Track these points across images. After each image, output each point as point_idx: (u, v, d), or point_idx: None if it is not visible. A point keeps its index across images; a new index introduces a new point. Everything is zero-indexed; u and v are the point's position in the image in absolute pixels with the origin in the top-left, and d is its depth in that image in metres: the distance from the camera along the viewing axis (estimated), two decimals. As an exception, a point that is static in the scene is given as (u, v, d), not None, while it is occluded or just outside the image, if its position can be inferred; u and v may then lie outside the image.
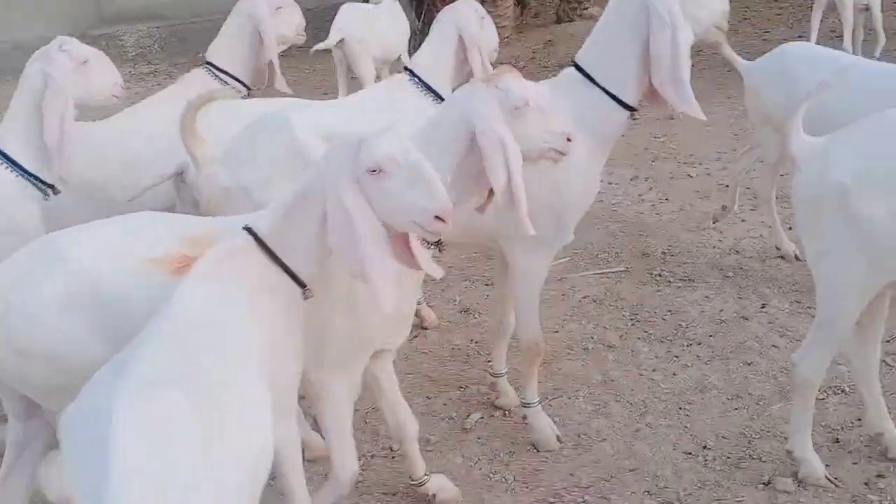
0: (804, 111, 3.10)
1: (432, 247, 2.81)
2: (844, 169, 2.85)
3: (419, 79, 3.92)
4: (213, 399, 2.00)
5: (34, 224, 3.50)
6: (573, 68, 3.43)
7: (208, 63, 4.43)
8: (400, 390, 3.26)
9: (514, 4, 13.01)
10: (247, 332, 2.31)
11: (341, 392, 2.89)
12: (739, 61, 5.06)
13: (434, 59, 3.94)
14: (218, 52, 4.46)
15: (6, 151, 3.57)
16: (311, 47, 6.98)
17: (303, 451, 3.63)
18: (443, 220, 2.37)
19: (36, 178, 3.60)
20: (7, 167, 3.57)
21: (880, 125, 2.92)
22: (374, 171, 2.35)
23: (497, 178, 2.64)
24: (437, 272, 2.60)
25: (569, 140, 2.85)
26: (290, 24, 4.53)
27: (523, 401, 3.70)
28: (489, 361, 4.09)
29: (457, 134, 2.72)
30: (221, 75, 4.40)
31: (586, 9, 12.65)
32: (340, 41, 7.61)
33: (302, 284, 2.54)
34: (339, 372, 2.86)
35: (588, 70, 3.38)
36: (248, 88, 4.52)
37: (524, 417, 3.73)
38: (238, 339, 2.27)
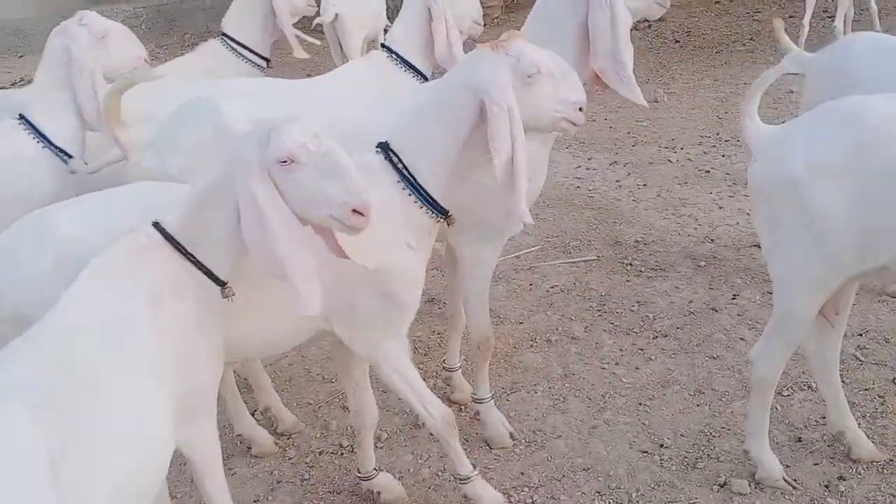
0: (758, 97, 2.96)
1: (441, 219, 2.72)
2: (799, 159, 2.70)
3: (397, 55, 3.82)
4: (76, 409, 1.87)
5: (56, 192, 3.41)
6: None
7: (224, 34, 4.36)
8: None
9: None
10: (140, 335, 2.18)
11: (397, 351, 2.86)
12: (801, 53, 4.29)
13: (406, 34, 3.85)
14: (231, 23, 4.44)
15: (33, 122, 3.57)
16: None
17: (249, 448, 3.63)
18: (361, 214, 2.25)
19: (60, 149, 3.57)
20: (34, 138, 3.55)
21: (836, 113, 2.77)
22: (285, 161, 2.22)
23: (500, 151, 2.50)
24: (369, 262, 2.48)
25: (581, 110, 2.69)
26: None
27: (475, 396, 3.58)
28: (448, 355, 3.97)
29: (464, 103, 2.58)
30: (237, 47, 4.38)
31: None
32: (335, 17, 7.40)
33: (220, 282, 2.41)
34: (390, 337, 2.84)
35: None
36: (267, 60, 4.52)
37: (476, 413, 3.61)
38: (126, 342, 2.13)
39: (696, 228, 5.29)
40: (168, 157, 3.10)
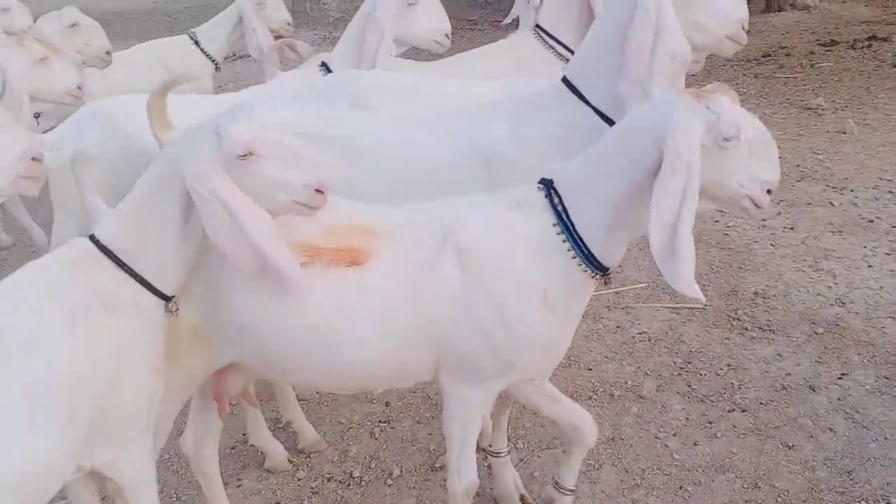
0: None
1: (599, 276, 2.48)
2: None
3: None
4: None
5: None
6: (562, 82, 2.93)
7: (537, 26, 4.26)
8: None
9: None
10: (51, 354, 2.11)
11: (477, 403, 2.64)
12: None
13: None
14: (547, 15, 4.31)
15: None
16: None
17: (263, 460, 3.54)
18: (322, 193, 2.26)
19: None
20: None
21: None
22: (245, 156, 2.19)
23: (663, 210, 2.17)
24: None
25: (769, 192, 2.35)
26: None
27: (490, 448, 3.28)
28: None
29: (644, 148, 2.28)
30: (550, 41, 4.23)
31: (800, -2, 11.41)
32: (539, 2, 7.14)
33: (164, 296, 2.32)
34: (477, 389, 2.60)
35: (577, 84, 2.88)
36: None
37: (488, 466, 3.31)
38: (29, 362, 2.07)
39: (829, 287, 4.61)
40: None
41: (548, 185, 2.45)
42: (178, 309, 2.36)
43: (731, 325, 4.35)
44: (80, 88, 4.04)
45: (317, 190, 2.25)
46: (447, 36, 4.27)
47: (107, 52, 5.18)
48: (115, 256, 2.27)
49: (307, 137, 2.96)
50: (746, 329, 4.29)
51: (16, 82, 3.73)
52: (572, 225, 2.39)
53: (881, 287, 4.56)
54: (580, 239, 2.39)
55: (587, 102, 2.89)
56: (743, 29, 2.89)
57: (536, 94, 3.02)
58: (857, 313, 4.34)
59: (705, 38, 2.83)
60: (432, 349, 2.51)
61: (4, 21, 5.52)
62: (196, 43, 5.92)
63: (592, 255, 2.41)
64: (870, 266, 4.80)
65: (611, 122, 2.89)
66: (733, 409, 3.69)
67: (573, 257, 2.41)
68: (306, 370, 2.57)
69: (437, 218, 2.50)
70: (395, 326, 2.46)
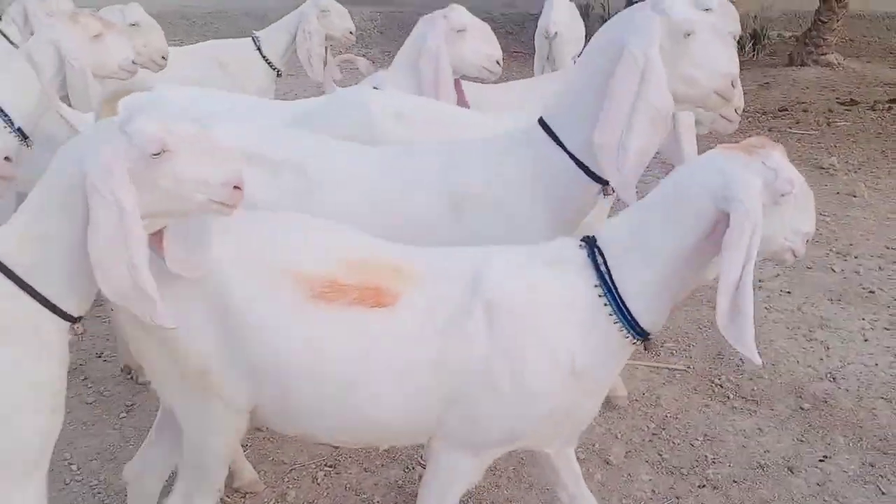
0: None
1: (638, 343, 2.33)
2: None
3: None
4: None
5: None
6: (538, 124, 2.73)
7: None
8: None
9: (748, 37, 11.84)
10: None
11: (467, 470, 2.45)
12: None
13: None
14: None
15: None
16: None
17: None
18: (241, 189, 2.11)
19: None
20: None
21: None
22: (158, 153, 2.01)
23: (732, 270, 2.08)
24: (196, 272, 2.20)
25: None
26: None
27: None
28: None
29: (699, 209, 2.19)
30: None
31: (824, 54, 11.20)
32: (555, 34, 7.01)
33: (69, 317, 2.11)
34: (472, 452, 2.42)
35: (553, 126, 2.68)
36: None
37: None
38: None
39: (821, 359, 4.36)
40: None
41: (590, 244, 2.31)
42: (84, 331, 2.15)
43: (713, 391, 4.10)
44: (134, 63, 3.94)
45: (235, 187, 2.11)
46: (498, 63, 4.14)
47: (162, 57, 4.95)
48: (12, 273, 2.05)
49: (258, 160, 2.80)
50: (728, 397, 4.04)
51: (76, 60, 3.65)
52: (615, 287, 2.25)
53: (876, 364, 4.31)
54: (623, 302, 2.25)
55: (562, 146, 2.69)
56: (732, 85, 2.69)
57: (509, 135, 2.82)
58: (847, 390, 4.08)
59: (692, 91, 2.63)
60: (442, 408, 2.32)
61: (48, 6, 5.34)
62: (259, 49, 5.71)
63: (635, 320, 2.26)
64: (866, 340, 4.55)
65: (585, 168, 2.70)
66: (703, 486, 3.43)
67: (615, 322, 2.26)
68: (318, 417, 2.37)
69: (469, 267, 2.33)
70: (414, 380, 2.28)
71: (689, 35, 2.59)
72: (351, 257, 2.30)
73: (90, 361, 4.26)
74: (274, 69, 5.75)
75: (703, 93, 2.64)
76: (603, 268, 2.27)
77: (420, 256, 2.38)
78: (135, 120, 2.03)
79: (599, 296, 2.27)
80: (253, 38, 5.76)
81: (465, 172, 2.82)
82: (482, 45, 4.08)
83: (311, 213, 2.67)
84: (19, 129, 3.51)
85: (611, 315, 2.27)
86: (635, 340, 2.30)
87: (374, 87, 3.98)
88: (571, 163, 2.68)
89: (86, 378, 4.10)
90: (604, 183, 2.71)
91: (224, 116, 3.45)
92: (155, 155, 2.01)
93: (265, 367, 2.27)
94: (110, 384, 4.07)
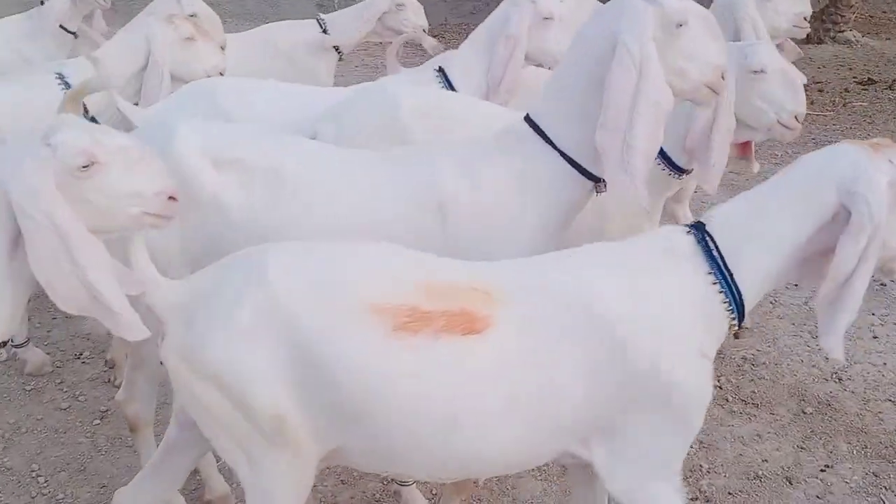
0: None
1: (737, 328, 2.26)
2: None
3: None
4: None
5: None
6: (524, 122, 2.59)
7: None
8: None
9: (763, 14, 11.52)
10: None
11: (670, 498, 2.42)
12: None
13: None
14: None
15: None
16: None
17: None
18: (176, 200, 2.06)
19: None
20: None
21: None
22: (87, 166, 1.92)
23: (845, 261, 2.05)
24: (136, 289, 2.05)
25: None
26: None
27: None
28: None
29: (821, 199, 2.15)
30: None
31: (842, 31, 10.88)
32: None
33: None
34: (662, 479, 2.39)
35: (542, 125, 2.54)
36: None
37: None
38: None
39: (827, 358, 4.15)
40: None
41: (701, 229, 2.23)
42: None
43: (712, 392, 3.91)
44: (221, 75, 3.93)
45: (170, 197, 2.05)
46: None
47: (221, 47, 4.59)
48: None
49: (232, 164, 2.64)
50: (727, 400, 3.86)
51: (160, 57, 3.78)
52: (730, 273, 2.18)
53: (884, 363, 4.11)
54: (737, 288, 2.19)
55: (552, 145, 2.53)
56: (722, 78, 2.51)
57: (496, 134, 2.66)
58: (853, 392, 3.89)
59: (684, 84, 2.48)
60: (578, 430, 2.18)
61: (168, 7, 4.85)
62: (324, 31, 5.35)
63: (744, 307, 2.21)
64: (875, 337, 4.34)
65: (578, 167, 2.53)
66: (696, 498, 3.26)
67: (728, 307, 2.19)
68: (417, 456, 2.14)
69: (570, 279, 2.17)
70: (529, 410, 2.10)
71: (681, 26, 2.46)
72: (426, 279, 2.08)
73: (68, 363, 4.13)
74: (339, 53, 5.43)
75: (694, 86, 2.51)
76: (716, 253, 2.19)
77: (496, 272, 2.19)
78: (59, 131, 1.93)
79: (713, 283, 2.19)
80: (318, 21, 5.43)
81: (450, 177, 2.65)
82: (568, 38, 3.83)
83: (288, 220, 2.54)
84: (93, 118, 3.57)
85: (724, 302, 2.19)
86: (735, 327, 2.24)
87: (439, 68, 3.86)
88: (563, 161, 2.54)
89: (62, 382, 3.97)
90: (597, 180, 2.55)
91: (274, 107, 3.42)
92: (83, 168, 1.91)
93: (352, 410, 2.04)
94: (86, 388, 3.94)
